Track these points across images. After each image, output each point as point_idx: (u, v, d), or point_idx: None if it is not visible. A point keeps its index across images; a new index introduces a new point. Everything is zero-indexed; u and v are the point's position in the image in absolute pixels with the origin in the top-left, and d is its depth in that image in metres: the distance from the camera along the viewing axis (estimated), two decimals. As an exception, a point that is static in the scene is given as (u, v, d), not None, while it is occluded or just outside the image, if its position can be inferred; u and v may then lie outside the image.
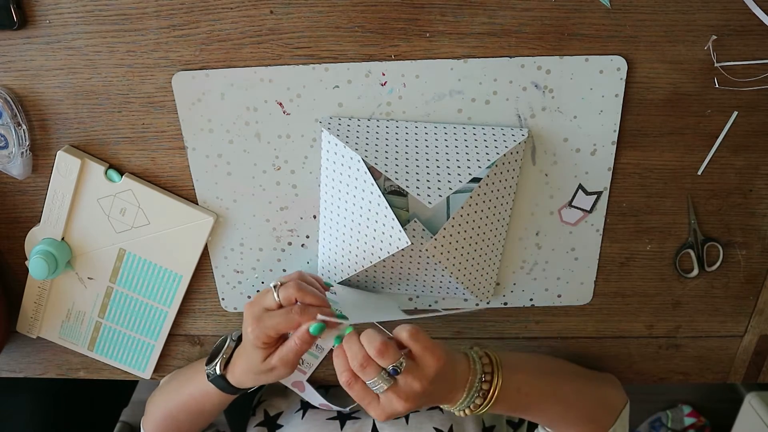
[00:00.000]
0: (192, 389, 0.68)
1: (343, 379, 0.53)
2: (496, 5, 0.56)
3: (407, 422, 0.71)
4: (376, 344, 0.51)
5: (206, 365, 0.66)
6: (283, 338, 0.58)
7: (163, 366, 0.76)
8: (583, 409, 0.65)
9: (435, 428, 0.70)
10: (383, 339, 0.52)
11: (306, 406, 0.75)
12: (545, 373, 0.66)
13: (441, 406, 0.59)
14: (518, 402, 0.61)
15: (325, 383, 0.78)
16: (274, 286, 0.56)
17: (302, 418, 0.73)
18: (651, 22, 0.57)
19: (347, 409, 0.63)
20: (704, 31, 0.57)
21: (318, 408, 0.74)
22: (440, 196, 0.56)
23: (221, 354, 0.65)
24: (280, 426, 0.74)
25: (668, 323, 0.73)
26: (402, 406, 0.52)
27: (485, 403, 0.57)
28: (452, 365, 0.56)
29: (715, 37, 0.57)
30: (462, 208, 0.60)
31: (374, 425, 0.70)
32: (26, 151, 0.62)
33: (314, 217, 0.66)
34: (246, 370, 0.61)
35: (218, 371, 0.64)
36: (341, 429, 0.71)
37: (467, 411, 0.57)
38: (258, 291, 0.71)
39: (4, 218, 0.67)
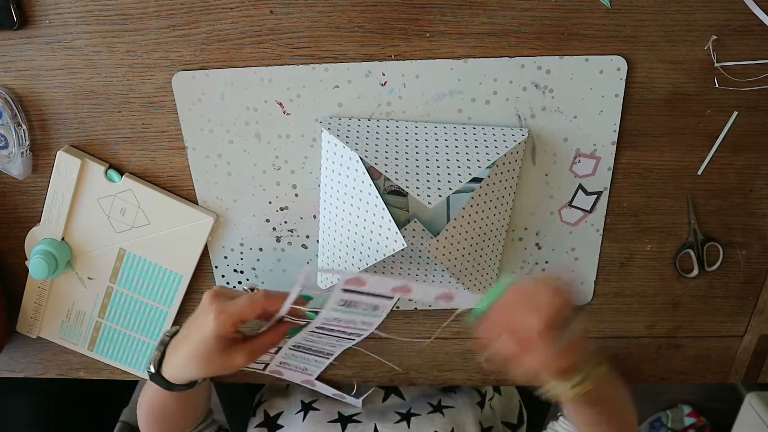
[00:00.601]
0: (149, 392, 0.66)
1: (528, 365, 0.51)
2: (496, 5, 0.56)
3: (408, 426, 0.71)
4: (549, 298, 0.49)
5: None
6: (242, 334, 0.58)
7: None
8: (622, 419, 0.63)
9: (436, 431, 0.70)
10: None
11: (307, 408, 0.75)
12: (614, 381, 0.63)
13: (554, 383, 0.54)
14: (598, 399, 0.57)
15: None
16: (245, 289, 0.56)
17: (303, 420, 0.73)
18: (651, 22, 0.57)
19: (360, 400, 0.60)
20: (704, 31, 0.57)
21: (319, 410, 0.74)
22: (440, 196, 0.56)
23: (153, 352, 0.61)
24: (281, 426, 0.74)
25: (668, 323, 0.73)
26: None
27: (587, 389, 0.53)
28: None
29: (715, 37, 0.57)
30: (463, 209, 0.60)
31: (375, 428, 0.70)
32: (26, 151, 0.62)
33: (314, 217, 0.66)
34: (190, 358, 0.57)
35: (152, 369, 0.60)
36: (342, 431, 0.71)
37: (570, 388, 0.53)
38: (258, 291, 0.71)
39: (4, 218, 0.67)
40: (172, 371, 0.59)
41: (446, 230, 0.59)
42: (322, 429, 0.71)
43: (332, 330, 0.62)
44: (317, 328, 0.59)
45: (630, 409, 0.64)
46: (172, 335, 0.61)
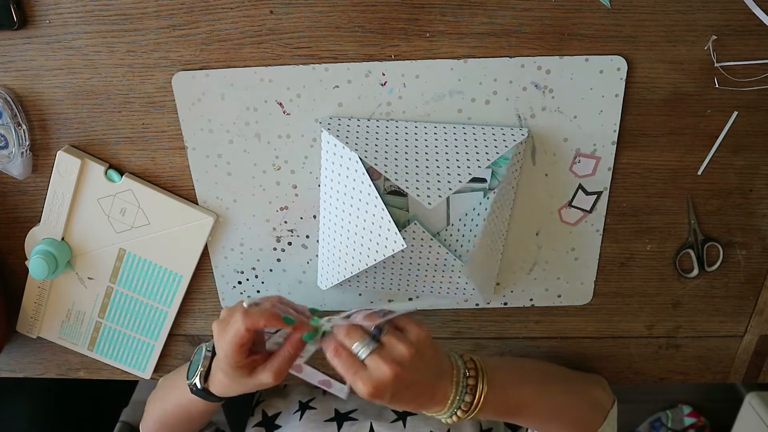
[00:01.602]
0: (177, 398, 0.67)
1: (330, 349, 0.53)
2: (496, 5, 0.56)
3: (405, 425, 0.70)
4: (361, 313, 0.54)
5: (187, 378, 0.64)
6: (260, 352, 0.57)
7: (163, 366, 0.76)
8: (571, 409, 0.65)
9: (432, 431, 0.70)
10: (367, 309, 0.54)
11: (304, 408, 0.75)
12: (532, 376, 0.66)
13: (430, 414, 0.57)
14: (507, 405, 0.60)
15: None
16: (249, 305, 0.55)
17: (300, 419, 0.73)
18: (651, 22, 0.57)
19: (345, 391, 0.61)
20: (704, 31, 0.57)
21: (316, 409, 0.74)
22: (440, 196, 0.56)
23: (198, 368, 0.62)
24: (278, 426, 0.74)
25: (668, 323, 0.73)
26: (390, 370, 0.50)
27: (474, 405, 0.56)
28: (435, 350, 0.55)
29: (715, 37, 0.57)
30: (488, 216, 0.60)
31: (371, 427, 0.70)
32: (26, 151, 0.62)
33: (314, 217, 0.66)
34: (228, 384, 0.59)
35: (199, 386, 0.62)
36: (338, 430, 0.71)
37: (457, 416, 0.56)
38: (258, 291, 0.71)
39: (4, 218, 0.67)
40: (217, 387, 0.61)
41: (474, 247, 0.61)
42: (318, 428, 0.71)
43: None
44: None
45: (572, 399, 0.65)
46: (213, 349, 0.63)
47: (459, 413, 0.56)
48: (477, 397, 0.56)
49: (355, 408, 0.74)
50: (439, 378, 0.55)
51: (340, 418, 0.72)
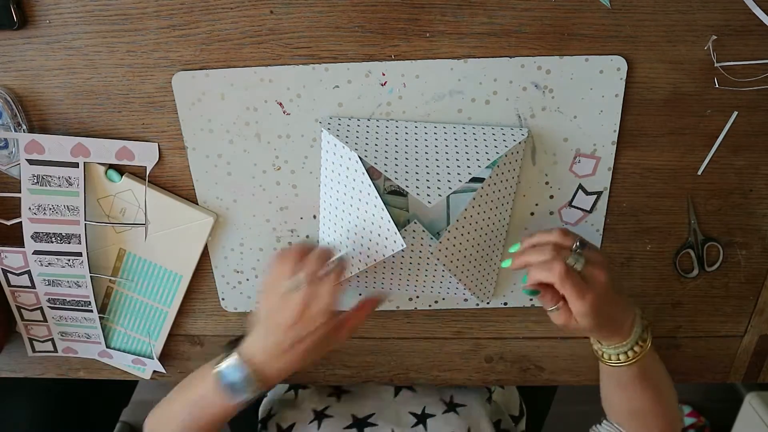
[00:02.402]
0: (197, 413, 0.60)
1: (556, 270, 0.53)
2: (496, 5, 0.56)
3: (426, 429, 0.70)
4: (555, 230, 0.56)
5: (230, 396, 0.58)
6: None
7: (163, 366, 0.76)
8: (668, 409, 0.65)
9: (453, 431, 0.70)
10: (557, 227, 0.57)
11: (320, 416, 0.73)
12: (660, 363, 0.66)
13: (606, 344, 0.59)
14: (648, 369, 0.61)
15: (336, 385, 0.79)
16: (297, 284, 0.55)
17: (318, 428, 0.71)
18: (651, 22, 0.57)
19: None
20: (704, 31, 0.57)
21: (332, 417, 0.73)
22: (440, 195, 0.56)
23: (240, 374, 0.57)
24: None
25: (668, 323, 0.73)
26: (604, 277, 0.54)
27: (640, 353, 0.58)
28: (617, 281, 0.57)
29: (715, 37, 0.57)
30: (465, 209, 0.60)
31: None
32: (26, 151, 0.62)
33: (314, 217, 0.66)
34: (296, 362, 0.57)
35: (250, 387, 0.57)
36: None
37: (632, 351, 0.58)
38: (258, 291, 0.71)
39: (4, 218, 0.67)
40: (273, 378, 0.58)
41: (448, 231, 0.60)
42: None
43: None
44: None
45: (673, 402, 0.65)
46: (235, 348, 0.59)
47: (630, 353, 0.58)
48: (645, 346, 0.59)
49: (372, 413, 0.73)
50: (628, 305, 0.58)
51: (360, 424, 0.71)
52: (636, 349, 0.58)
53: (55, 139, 0.61)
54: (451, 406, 0.75)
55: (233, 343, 0.62)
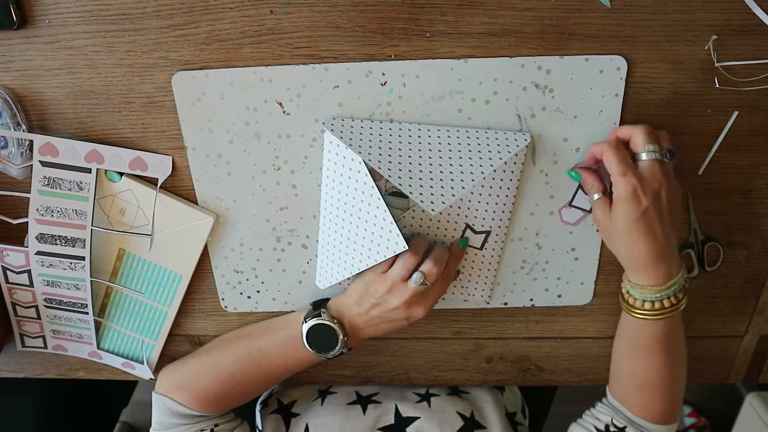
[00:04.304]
0: (272, 353, 0.66)
1: (608, 140, 0.56)
2: (496, 5, 0.56)
3: (430, 405, 0.70)
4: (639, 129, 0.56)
5: (321, 353, 0.64)
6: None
7: (162, 366, 0.76)
8: (676, 388, 0.64)
9: (457, 412, 0.70)
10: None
11: (324, 394, 0.74)
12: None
13: (634, 286, 0.58)
14: (672, 335, 0.60)
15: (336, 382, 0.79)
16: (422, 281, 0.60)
17: (322, 404, 0.72)
18: (651, 22, 0.57)
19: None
20: (704, 31, 0.57)
21: (336, 393, 0.73)
22: (443, 203, 0.56)
23: (334, 326, 0.63)
24: (296, 414, 0.73)
25: (668, 323, 0.73)
26: (661, 180, 0.53)
27: (676, 305, 0.57)
28: (675, 215, 0.58)
29: (716, 36, 0.57)
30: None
31: (396, 409, 0.70)
32: (26, 151, 0.62)
33: (314, 217, 0.66)
34: (391, 330, 0.64)
35: (343, 342, 0.64)
36: (363, 413, 0.70)
37: (663, 303, 0.57)
38: (258, 291, 0.71)
39: (10, 217, 0.67)
40: (356, 339, 0.65)
41: (446, 230, 0.60)
42: (342, 411, 0.70)
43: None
44: None
45: (682, 384, 0.64)
46: (324, 307, 0.65)
47: (658, 304, 0.57)
48: (678, 305, 0.57)
49: (377, 391, 0.74)
50: (673, 249, 0.56)
51: (363, 400, 0.72)
52: (666, 303, 0.56)
53: (69, 143, 0.60)
54: (455, 391, 0.76)
55: (316, 304, 0.67)
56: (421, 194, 0.56)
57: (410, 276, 0.60)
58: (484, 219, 0.64)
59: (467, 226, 0.64)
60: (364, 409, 0.70)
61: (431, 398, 0.71)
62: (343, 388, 0.75)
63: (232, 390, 0.67)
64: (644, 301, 0.57)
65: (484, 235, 0.64)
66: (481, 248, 0.65)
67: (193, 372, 0.68)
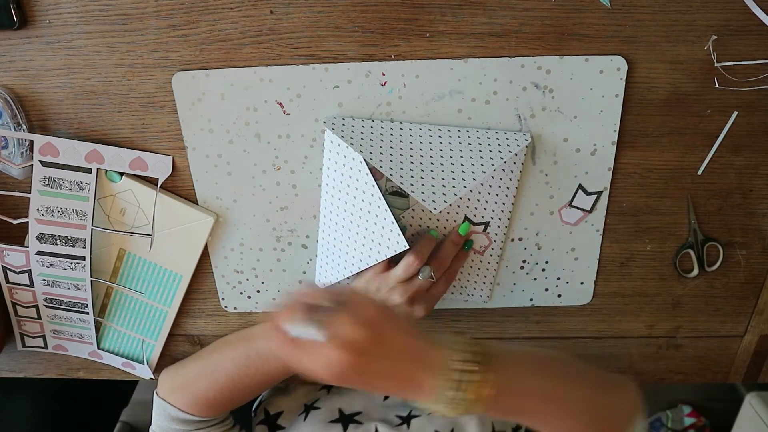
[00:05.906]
0: (272, 365, 0.66)
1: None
2: (496, 5, 0.56)
3: (408, 427, 0.70)
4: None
5: None
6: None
7: (163, 366, 0.76)
8: (590, 423, 0.53)
9: (436, 431, 0.70)
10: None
11: (309, 409, 0.74)
12: (552, 374, 0.53)
13: (416, 403, 0.47)
14: (517, 405, 0.50)
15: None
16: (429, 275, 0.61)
17: (305, 420, 0.73)
18: (651, 22, 0.57)
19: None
20: (704, 31, 0.57)
21: (320, 408, 0.74)
22: (445, 202, 0.56)
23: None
24: (282, 427, 0.73)
25: (668, 323, 0.73)
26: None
27: (472, 402, 0.46)
28: (404, 334, 0.47)
29: (715, 37, 0.57)
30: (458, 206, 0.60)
31: (376, 430, 0.70)
32: (26, 151, 0.62)
33: (314, 217, 0.66)
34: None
35: None
36: (344, 431, 0.70)
37: (450, 407, 0.46)
38: (258, 291, 0.71)
39: (10, 217, 0.67)
40: None
41: (445, 228, 0.60)
42: (323, 429, 0.71)
43: None
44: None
45: (593, 409, 0.53)
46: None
47: (450, 407, 0.46)
48: (477, 392, 0.46)
49: (359, 411, 0.74)
50: (416, 367, 0.46)
51: (345, 419, 0.72)
52: (452, 408, 0.46)
53: (70, 144, 0.61)
54: None
55: None
56: (422, 193, 0.56)
57: (411, 279, 0.60)
58: (484, 219, 0.64)
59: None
60: (345, 429, 0.70)
61: (411, 420, 0.71)
62: (327, 404, 0.74)
63: (230, 394, 0.68)
64: (454, 407, 0.46)
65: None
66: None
67: (193, 376, 0.69)
